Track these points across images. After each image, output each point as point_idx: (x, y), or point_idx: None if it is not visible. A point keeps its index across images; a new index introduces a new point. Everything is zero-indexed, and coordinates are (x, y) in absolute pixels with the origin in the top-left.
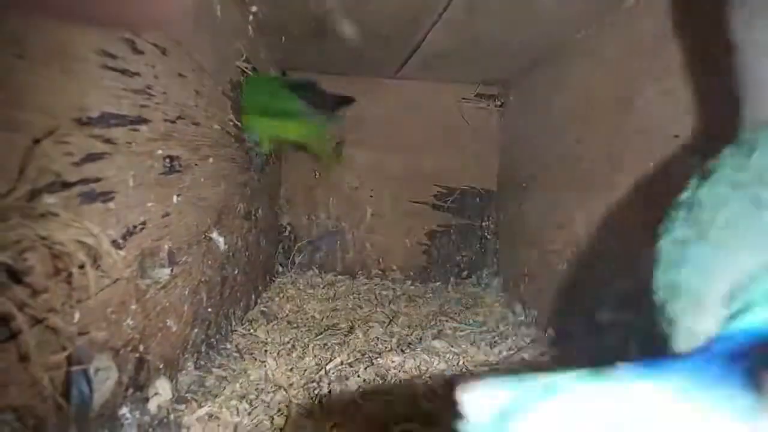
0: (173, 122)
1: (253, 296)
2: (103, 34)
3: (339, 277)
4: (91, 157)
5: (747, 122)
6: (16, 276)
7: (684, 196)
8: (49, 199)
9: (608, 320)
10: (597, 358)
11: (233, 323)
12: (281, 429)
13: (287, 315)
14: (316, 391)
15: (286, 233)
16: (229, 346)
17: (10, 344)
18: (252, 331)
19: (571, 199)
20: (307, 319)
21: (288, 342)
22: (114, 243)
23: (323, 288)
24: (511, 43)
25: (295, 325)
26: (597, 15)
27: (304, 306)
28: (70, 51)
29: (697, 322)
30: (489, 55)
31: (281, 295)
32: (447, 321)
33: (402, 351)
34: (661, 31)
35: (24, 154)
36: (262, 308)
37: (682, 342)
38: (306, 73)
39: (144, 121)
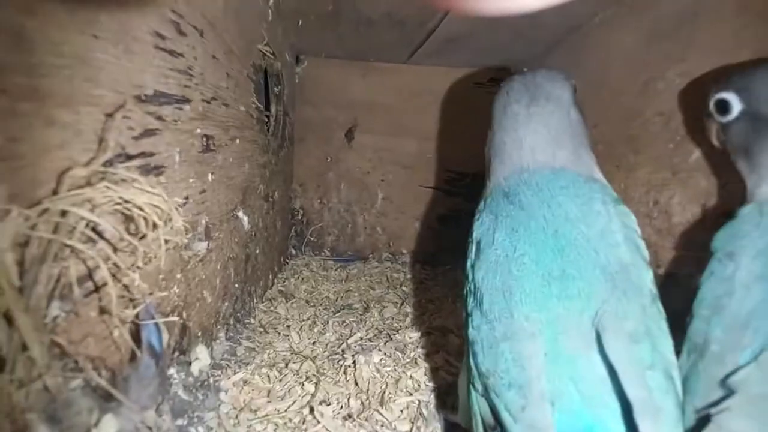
0: (209, 103)
1: (270, 276)
2: (155, 14)
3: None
4: (147, 133)
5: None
6: (100, 234)
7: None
8: (119, 169)
9: None
10: None
11: (255, 300)
12: (312, 394)
13: (304, 295)
14: (340, 362)
15: (299, 217)
16: (253, 321)
17: (92, 298)
18: (272, 308)
19: None
20: (323, 298)
21: (308, 319)
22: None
23: (336, 270)
24: (526, 27)
25: (312, 303)
26: None
27: (319, 287)
28: (130, 30)
29: None
30: (504, 40)
31: (296, 276)
32: (458, 302)
33: (417, 329)
34: (681, 12)
35: (101, 127)
36: (280, 288)
37: None
38: (319, 57)
39: (186, 100)
